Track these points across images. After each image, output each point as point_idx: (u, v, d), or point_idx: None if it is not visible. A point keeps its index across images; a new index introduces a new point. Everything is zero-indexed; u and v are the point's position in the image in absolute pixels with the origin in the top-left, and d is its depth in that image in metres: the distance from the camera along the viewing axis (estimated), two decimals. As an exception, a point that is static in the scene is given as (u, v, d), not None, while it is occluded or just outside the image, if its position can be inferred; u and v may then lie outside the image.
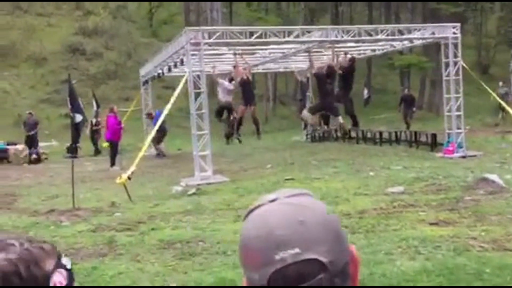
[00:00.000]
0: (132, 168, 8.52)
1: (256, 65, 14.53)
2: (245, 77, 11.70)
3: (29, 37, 34.80)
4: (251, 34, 9.57)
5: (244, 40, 9.59)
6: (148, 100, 15.91)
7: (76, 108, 8.20)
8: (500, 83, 18.84)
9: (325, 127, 15.96)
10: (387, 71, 36.39)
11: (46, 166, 14.39)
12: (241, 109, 12.30)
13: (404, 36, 10.74)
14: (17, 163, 15.01)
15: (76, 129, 8.33)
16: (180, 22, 39.61)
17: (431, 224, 6.40)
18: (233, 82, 12.76)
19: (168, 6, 36.61)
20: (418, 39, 11.31)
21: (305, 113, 11.38)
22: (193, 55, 9.10)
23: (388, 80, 35.51)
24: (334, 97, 11.38)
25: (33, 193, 9.39)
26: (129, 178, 8.34)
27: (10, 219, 7.35)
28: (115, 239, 6.22)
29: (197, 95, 9.33)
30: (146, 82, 15.43)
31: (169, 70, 12.02)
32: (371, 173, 8.87)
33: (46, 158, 16.25)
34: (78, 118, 8.13)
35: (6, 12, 36.89)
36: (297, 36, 9.78)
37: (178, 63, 10.65)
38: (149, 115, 15.29)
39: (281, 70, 18.12)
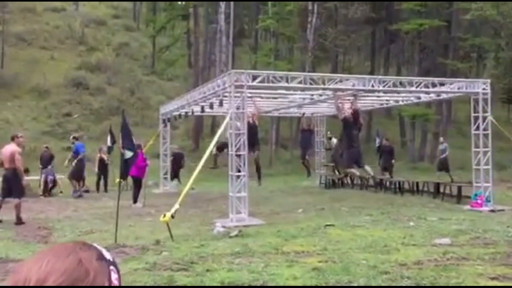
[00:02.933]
0: (176, 206, 8.40)
1: (277, 110, 14.71)
2: (251, 121, 11.64)
3: (33, 69, 34.90)
4: (292, 79, 9.75)
5: (286, 84, 9.76)
6: (166, 138, 15.90)
7: (127, 145, 8.15)
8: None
9: (337, 173, 16.07)
10: (386, 120, 37.06)
11: (65, 200, 14.12)
12: None
13: (435, 89, 11.03)
14: (31, 194, 14.72)
15: (125, 165, 8.24)
16: (183, 63, 40.23)
17: (492, 278, 6.39)
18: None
19: (173, 48, 37.15)
20: (449, 92, 11.62)
21: (350, 170, 11.41)
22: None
23: (387, 130, 36.08)
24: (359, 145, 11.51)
25: (66, 228, 9.15)
26: (172, 216, 8.21)
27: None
28: (175, 279, 6.07)
29: (237, 136, 9.38)
30: (167, 120, 15.45)
31: (202, 110, 12.09)
32: (411, 223, 8.87)
33: (61, 192, 16.00)
34: (128, 154, 8.06)
35: (10, 44, 37.07)
36: (336, 83, 9.98)
37: (215, 104, 10.73)
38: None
39: (295, 115, 18.31)
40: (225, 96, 10.25)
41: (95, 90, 34.50)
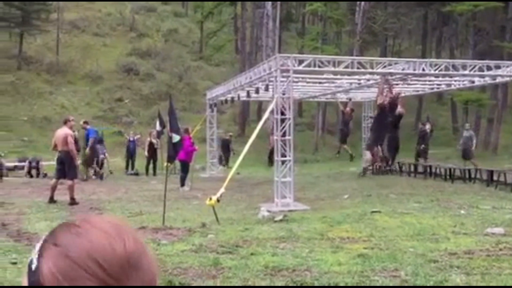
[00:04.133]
0: (222, 190, 8.51)
1: (324, 95, 14.54)
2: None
3: (86, 56, 36.03)
4: (339, 63, 9.58)
5: (332, 69, 9.61)
6: (213, 123, 16.07)
7: (174, 128, 8.32)
8: None
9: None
10: (437, 106, 35.91)
11: (115, 182, 14.61)
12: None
13: (490, 73, 10.54)
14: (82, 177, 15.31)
15: (174, 148, 8.41)
16: (230, 48, 40.36)
17: (547, 270, 6.11)
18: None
19: (220, 33, 37.32)
20: (505, 76, 11.07)
21: (368, 156, 11.15)
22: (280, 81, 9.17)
23: (438, 116, 34.96)
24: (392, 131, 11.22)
25: (116, 209, 9.47)
26: (218, 200, 8.32)
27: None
28: (220, 261, 6.16)
29: (282, 121, 9.34)
30: (214, 105, 15.61)
31: (248, 95, 12.13)
32: (462, 212, 8.59)
33: (111, 172, 16.57)
34: (176, 138, 8.22)
35: (65, 31, 38.32)
36: (384, 67, 9.73)
37: (261, 89, 10.73)
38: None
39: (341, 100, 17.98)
40: (271, 81, 10.21)
41: (145, 75, 35.25)
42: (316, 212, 9.02)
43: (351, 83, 12.81)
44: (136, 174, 16.90)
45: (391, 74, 10.10)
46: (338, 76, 12.17)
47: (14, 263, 5.96)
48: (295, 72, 9.45)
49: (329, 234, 7.52)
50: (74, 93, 30.45)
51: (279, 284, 5.55)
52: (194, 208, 10.07)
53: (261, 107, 29.67)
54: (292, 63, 9.30)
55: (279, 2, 27.26)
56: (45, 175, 17.11)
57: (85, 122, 14.53)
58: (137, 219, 8.78)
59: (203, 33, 40.99)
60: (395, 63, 9.95)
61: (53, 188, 9.86)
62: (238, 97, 13.49)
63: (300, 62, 9.40)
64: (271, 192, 12.11)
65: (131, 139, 18.37)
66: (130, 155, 18.10)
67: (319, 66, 9.47)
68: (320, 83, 13.74)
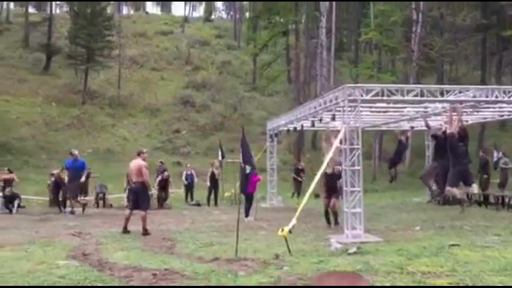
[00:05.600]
0: (293, 221, 8.48)
1: (386, 123, 14.36)
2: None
3: (145, 89, 37.53)
4: (408, 92, 9.48)
5: (401, 98, 9.52)
6: (273, 153, 16.19)
7: (247, 159, 8.45)
8: None
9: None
10: (500, 133, 34.57)
11: (179, 212, 14.90)
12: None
13: None
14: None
15: (246, 179, 8.53)
16: (283, 78, 40.84)
17: None
18: None
19: (273, 64, 37.88)
20: None
21: (452, 190, 10.68)
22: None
23: (502, 143, 33.61)
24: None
25: (187, 240, 9.61)
26: (290, 231, 8.29)
27: (184, 264, 7.53)
28: (299, 296, 6.09)
29: (351, 151, 9.30)
30: (275, 135, 15.76)
31: (313, 125, 12.20)
32: (548, 245, 8.13)
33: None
34: (248, 169, 8.34)
35: (126, 66, 40.16)
36: (455, 94, 9.54)
37: (327, 118, 10.78)
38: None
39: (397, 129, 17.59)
40: (338, 111, 10.22)
41: (201, 107, 36.20)
42: (390, 244, 8.78)
43: (417, 111, 12.60)
44: (198, 204, 17.18)
45: (461, 102, 9.88)
46: (403, 105, 12.02)
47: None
48: (363, 101, 9.43)
49: (408, 268, 7.28)
50: (134, 125, 31.61)
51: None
52: (262, 238, 10.06)
53: (316, 136, 29.62)
54: (360, 93, 9.29)
55: (333, 32, 27.43)
56: (111, 206, 17.72)
57: (71, 153, 14.30)
58: (209, 250, 8.86)
59: (256, 65, 41.81)
60: (466, 90, 9.73)
61: (127, 219, 10.17)
62: (302, 127, 13.57)
63: (368, 91, 9.38)
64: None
65: (189, 172, 18.79)
66: (189, 186, 18.46)
67: (388, 96, 9.42)
68: (384, 112, 13.60)
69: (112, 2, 45.89)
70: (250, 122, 35.76)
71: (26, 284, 6.41)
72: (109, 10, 41.58)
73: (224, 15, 77.06)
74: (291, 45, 39.03)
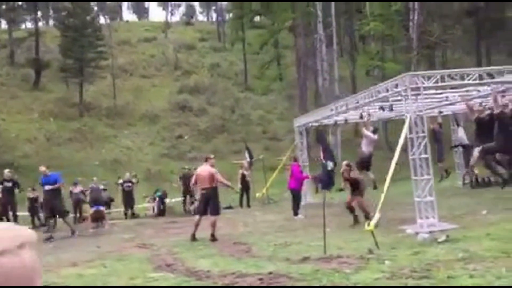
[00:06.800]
0: (378, 215, 8.41)
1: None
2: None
3: (138, 97, 36.99)
4: (467, 75, 9.50)
5: (460, 82, 9.54)
6: (303, 150, 16.05)
7: (328, 156, 8.34)
8: None
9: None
10: None
11: (222, 216, 14.66)
12: None
13: None
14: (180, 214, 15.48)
15: (329, 176, 8.42)
16: (272, 75, 40.79)
17: None
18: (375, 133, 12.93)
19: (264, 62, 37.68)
20: None
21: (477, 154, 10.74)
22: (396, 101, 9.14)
23: None
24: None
25: (260, 242, 9.42)
26: (376, 226, 8.22)
27: (280, 266, 7.36)
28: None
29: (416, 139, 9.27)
30: (306, 131, 15.65)
31: (361, 117, 12.12)
32: None
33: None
34: (330, 165, 8.23)
35: (116, 76, 39.49)
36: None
37: (386, 109, 10.73)
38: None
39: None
40: (398, 100, 10.18)
41: (198, 111, 35.87)
42: (470, 230, 8.72)
43: (459, 95, 12.50)
44: (230, 207, 16.96)
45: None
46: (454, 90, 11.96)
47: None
48: (425, 89, 9.41)
49: (512, 251, 7.24)
50: (136, 134, 31.13)
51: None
52: (335, 235, 9.91)
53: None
54: (421, 81, 9.27)
55: (334, 26, 27.51)
56: (135, 215, 17.42)
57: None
58: (289, 250, 8.70)
59: (246, 65, 41.64)
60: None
61: (197, 225, 9.96)
62: (345, 120, 13.44)
63: (428, 78, 9.37)
64: (395, 212, 11.90)
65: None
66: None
67: (448, 81, 9.42)
68: (425, 98, 13.36)
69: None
70: (249, 122, 35.61)
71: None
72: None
73: (201, 17, 76.71)
74: (284, 43, 39.01)
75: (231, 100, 37.68)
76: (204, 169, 9.84)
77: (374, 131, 13.02)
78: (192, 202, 16.68)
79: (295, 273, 7.02)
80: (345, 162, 11.20)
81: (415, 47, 26.50)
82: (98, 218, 13.44)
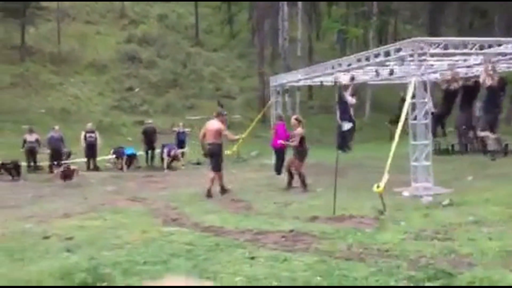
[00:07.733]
0: (386, 176, 8.49)
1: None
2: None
3: (84, 44, 34.75)
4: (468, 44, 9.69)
5: (461, 50, 9.72)
6: (277, 109, 15.85)
7: (345, 117, 8.21)
8: None
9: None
10: None
11: (197, 173, 14.29)
12: None
13: None
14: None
15: (342, 136, 8.31)
16: (224, 31, 39.73)
17: None
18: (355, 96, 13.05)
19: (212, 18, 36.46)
20: None
21: (485, 133, 11.24)
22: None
23: None
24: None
25: (260, 200, 9.28)
26: (384, 187, 8.33)
27: (297, 224, 7.30)
28: (454, 248, 6.05)
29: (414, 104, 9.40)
30: (286, 91, 15.45)
31: (335, 83, 12.07)
32: None
33: (183, 165, 16.26)
34: (347, 125, 8.12)
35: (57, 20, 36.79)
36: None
37: (383, 73, 10.73)
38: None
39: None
40: (402, 64, 10.22)
41: (148, 63, 34.39)
42: (465, 195, 9.06)
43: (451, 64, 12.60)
44: (198, 163, 16.58)
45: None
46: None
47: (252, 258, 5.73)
48: (430, 55, 9.51)
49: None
50: (83, 83, 29.44)
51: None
52: (323, 196, 9.86)
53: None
54: (427, 47, 9.34)
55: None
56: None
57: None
58: (292, 209, 8.66)
59: (198, 19, 40.28)
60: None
61: (212, 180, 9.69)
62: (335, 82, 13.31)
63: (432, 44, 9.46)
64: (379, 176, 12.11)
65: (181, 130, 17.99)
66: (181, 147, 17.57)
67: (452, 49, 9.57)
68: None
69: None
70: (202, 78, 34.70)
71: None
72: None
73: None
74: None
75: (182, 55, 36.42)
76: (213, 124, 9.52)
77: (353, 95, 13.07)
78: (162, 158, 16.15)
79: (316, 231, 6.98)
80: (294, 116, 11.13)
81: (375, 13, 26.76)
82: (67, 175, 12.71)
